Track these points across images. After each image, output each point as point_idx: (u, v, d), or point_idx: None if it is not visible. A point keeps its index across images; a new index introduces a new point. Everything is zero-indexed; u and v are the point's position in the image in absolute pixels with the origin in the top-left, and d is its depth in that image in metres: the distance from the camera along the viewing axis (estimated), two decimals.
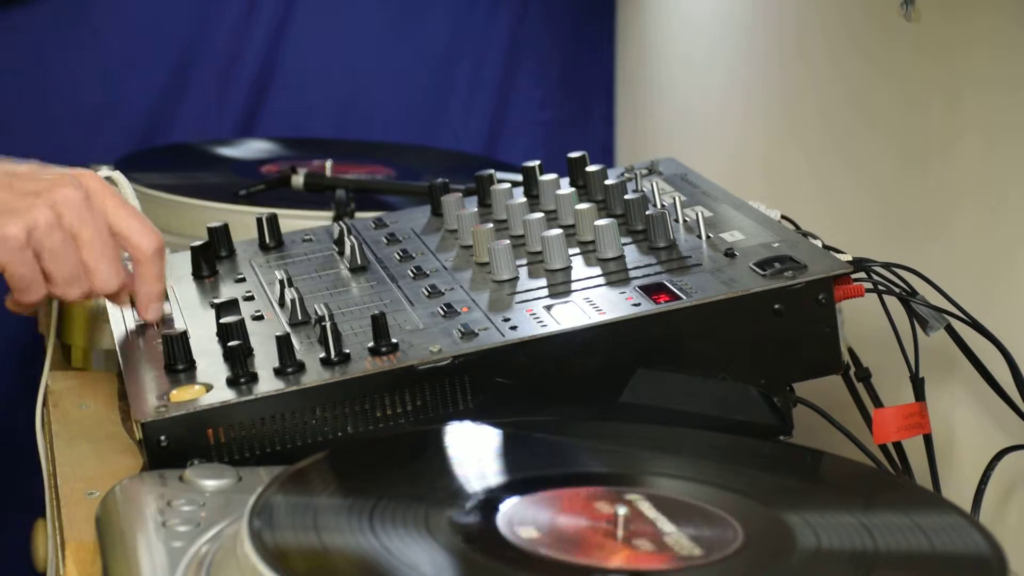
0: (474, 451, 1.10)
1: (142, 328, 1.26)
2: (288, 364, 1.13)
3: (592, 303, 1.18)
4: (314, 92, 2.18)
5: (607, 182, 1.38)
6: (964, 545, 0.95)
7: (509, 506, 0.97)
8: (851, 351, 1.26)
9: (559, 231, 1.26)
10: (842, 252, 1.22)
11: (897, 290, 1.23)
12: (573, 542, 0.93)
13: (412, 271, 1.29)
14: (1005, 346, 1.20)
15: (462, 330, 1.16)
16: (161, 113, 2.13)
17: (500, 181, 1.42)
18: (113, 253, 1.20)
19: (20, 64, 2.07)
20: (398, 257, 1.34)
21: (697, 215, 1.28)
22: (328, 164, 1.79)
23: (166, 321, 1.27)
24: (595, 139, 2.21)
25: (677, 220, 1.31)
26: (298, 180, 1.73)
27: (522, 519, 0.96)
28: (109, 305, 1.31)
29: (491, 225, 1.30)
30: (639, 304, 1.17)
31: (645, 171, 1.45)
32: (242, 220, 1.48)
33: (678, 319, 1.16)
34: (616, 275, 1.22)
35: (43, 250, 1.18)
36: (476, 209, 1.38)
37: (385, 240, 1.38)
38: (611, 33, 2.21)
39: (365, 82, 2.19)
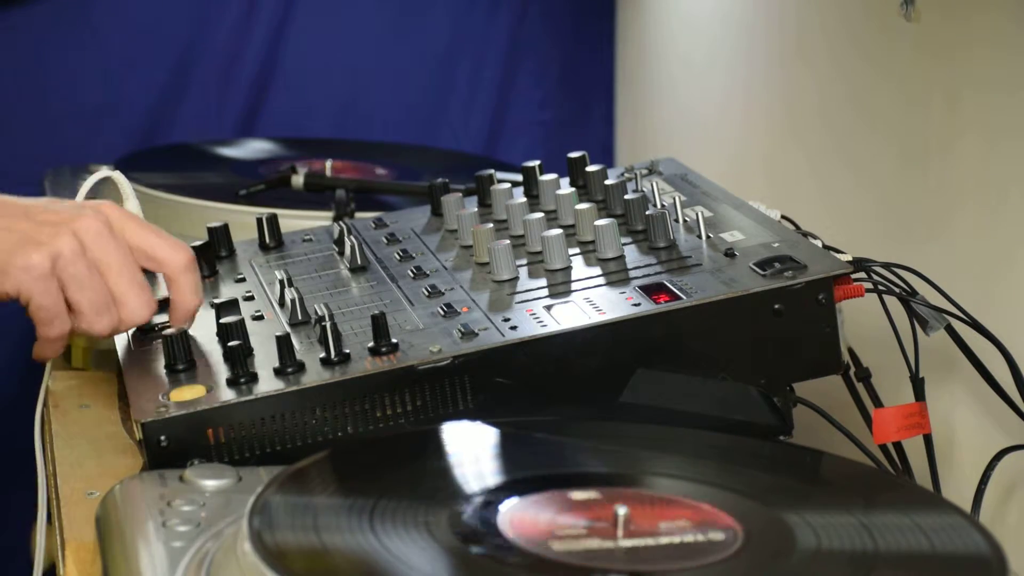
0: (474, 451, 1.10)
1: (142, 328, 1.26)
2: (288, 364, 1.13)
3: (592, 303, 1.18)
4: (314, 92, 2.18)
5: (607, 182, 1.38)
6: (964, 545, 0.95)
7: (509, 506, 0.97)
8: (851, 351, 1.26)
9: (559, 231, 1.26)
10: (842, 252, 1.22)
11: (897, 290, 1.23)
12: (573, 542, 0.93)
13: (412, 271, 1.30)
14: (1005, 346, 1.20)
15: (462, 330, 1.16)
16: (161, 113, 2.13)
17: (500, 181, 1.42)
18: (142, 281, 1.17)
19: (20, 64, 2.07)
20: (398, 257, 1.34)
21: (697, 215, 1.28)
22: (328, 164, 1.79)
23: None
24: (595, 139, 2.21)
25: (677, 220, 1.31)
26: (298, 180, 1.73)
27: (522, 519, 0.96)
28: None
29: (491, 225, 1.30)
30: (639, 304, 1.17)
31: (645, 171, 1.45)
32: (242, 220, 1.48)
33: (678, 319, 1.16)
34: (616, 275, 1.22)
35: (68, 279, 1.14)
36: (476, 209, 1.38)
37: (385, 240, 1.38)
38: (611, 33, 2.21)
39: (365, 82, 2.19)
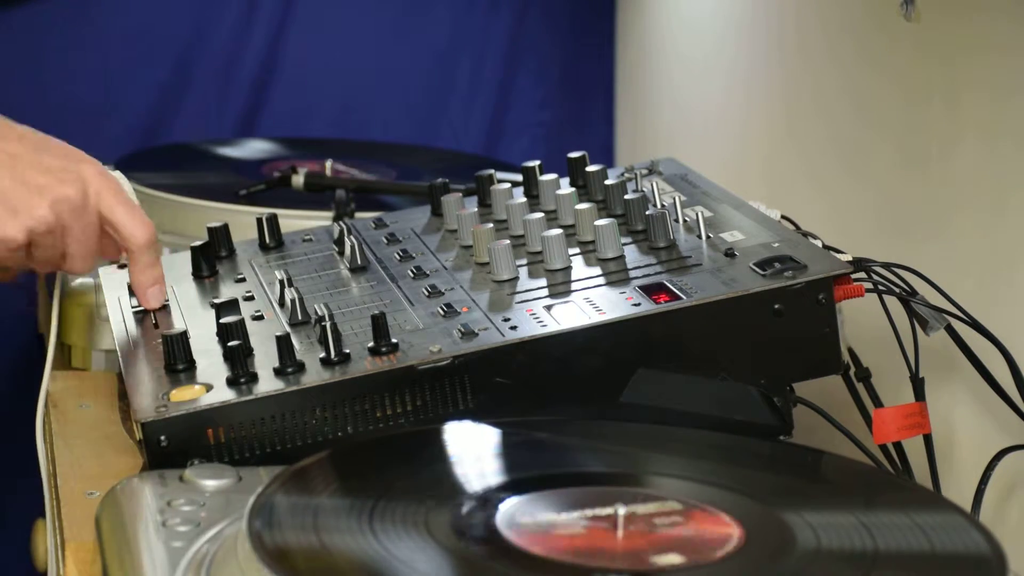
0: (474, 451, 1.10)
1: (142, 328, 1.26)
2: (288, 364, 1.13)
3: (592, 303, 1.18)
4: (314, 92, 2.18)
5: (607, 182, 1.38)
6: (964, 545, 0.95)
7: (509, 506, 0.97)
8: (851, 351, 1.26)
9: (559, 231, 1.26)
10: (842, 252, 1.22)
11: (897, 290, 1.23)
12: (573, 542, 0.93)
13: (412, 271, 1.29)
14: (1005, 346, 1.20)
15: (462, 330, 1.16)
16: (161, 113, 2.13)
17: (500, 181, 1.42)
18: (93, 244, 1.23)
19: (20, 64, 2.07)
20: (398, 257, 1.34)
21: (697, 215, 1.28)
22: (328, 164, 1.79)
23: (165, 311, 1.27)
24: (595, 139, 2.21)
25: (677, 220, 1.31)
26: (298, 180, 1.73)
27: (522, 519, 0.96)
28: (109, 305, 1.31)
29: (491, 225, 1.30)
30: (639, 304, 1.17)
31: (645, 171, 1.45)
32: (242, 220, 1.48)
33: (678, 319, 1.16)
34: (616, 275, 1.22)
35: (34, 246, 1.20)
36: (476, 209, 1.38)
37: (385, 240, 1.38)
38: (611, 33, 2.21)
39: (365, 82, 2.19)
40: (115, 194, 1.23)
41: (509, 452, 1.11)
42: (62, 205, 1.19)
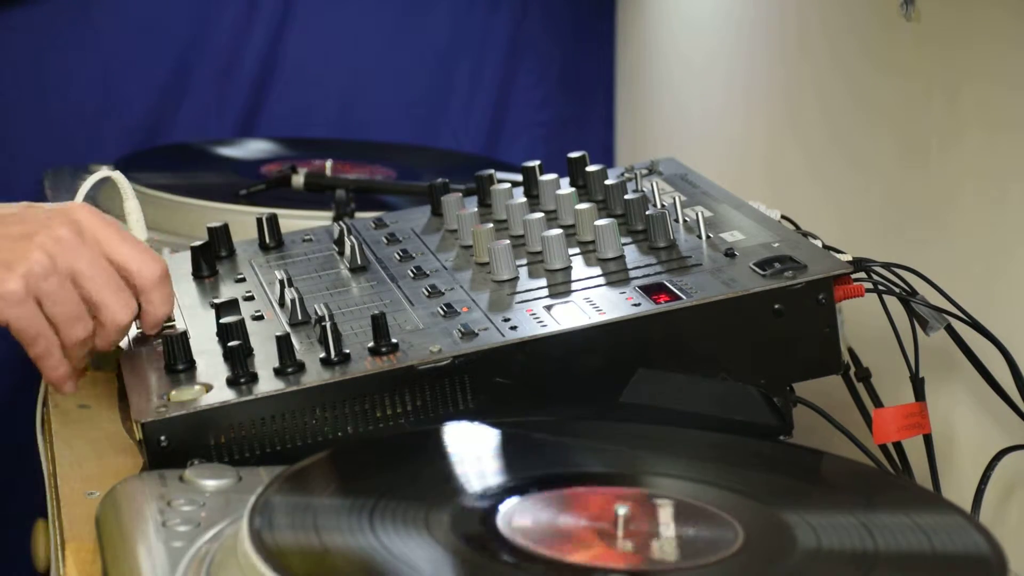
0: (474, 451, 1.10)
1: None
2: (288, 364, 1.13)
3: (592, 303, 1.18)
4: (314, 92, 2.19)
5: (607, 182, 1.38)
6: (964, 545, 0.95)
7: (509, 506, 0.97)
8: (851, 351, 1.26)
9: (559, 231, 1.26)
10: (842, 252, 1.22)
11: (897, 290, 1.23)
12: (573, 542, 0.93)
13: (412, 271, 1.30)
14: (1005, 346, 1.20)
15: (462, 330, 1.16)
16: (161, 113, 2.13)
17: (500, 181, 1.42)
18: (117, 283, 1.15)
19: (20, 64, 2.07)
20: (398, 257, 1.34)
21: (697, 215, 1.28)
22: (328, 164, 1.79)
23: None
24: (595, 139, 2.21)
25: (677, 220, 1.31)
26: (298, 180, 1.73)
27: (522, 519, 0.96)
28: None
29: (491, 225, 1.30)
30: (639, 304, 1.17)
31: (645, 171, 1.45)
32: (242, 220, 1.48)
33: (678, 319, 1.16)
34: (616, 275, 1.22)
35: (43, 296, 1.12)
36: (476, 209, 1.38)
37: (385, 240, 1.38)
38: (611, 33, 2.21)
39: (365, 82, 2.19)
40: (115, 231, 1.16)
41: (509, 452, 1.11)
42: (55, 245, 1.11)
